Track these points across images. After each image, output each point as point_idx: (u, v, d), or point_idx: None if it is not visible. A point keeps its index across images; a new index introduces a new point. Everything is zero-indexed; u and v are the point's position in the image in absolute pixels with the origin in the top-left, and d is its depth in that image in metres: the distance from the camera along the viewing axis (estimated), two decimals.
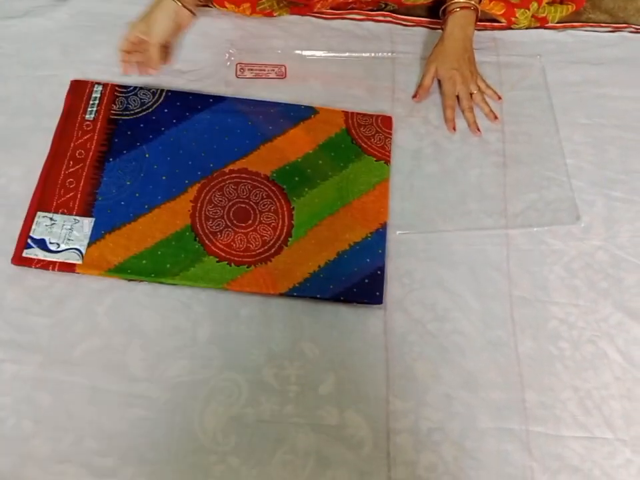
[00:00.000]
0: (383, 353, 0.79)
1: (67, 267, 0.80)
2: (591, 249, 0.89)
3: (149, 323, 0.78)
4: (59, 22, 1.01)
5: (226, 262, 0.82)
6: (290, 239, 0.85)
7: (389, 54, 1.03)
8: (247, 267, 0.82)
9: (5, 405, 0.73)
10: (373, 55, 1.03)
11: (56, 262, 0.80)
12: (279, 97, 0.97)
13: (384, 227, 0.87)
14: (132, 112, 0.93)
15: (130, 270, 0.80)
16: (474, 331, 0.82)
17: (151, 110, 0.93)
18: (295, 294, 0.81)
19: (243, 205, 0.87)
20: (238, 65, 0.99)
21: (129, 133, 0.91)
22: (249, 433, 0.73)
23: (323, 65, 1.02)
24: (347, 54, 1.03)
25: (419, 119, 0.98)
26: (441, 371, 0.79)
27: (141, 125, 0.92)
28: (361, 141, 0.94)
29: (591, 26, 1.11)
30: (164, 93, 0.94)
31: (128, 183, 0.87)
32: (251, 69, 0.99)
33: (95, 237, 0.82)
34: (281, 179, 0.89)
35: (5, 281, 0.80)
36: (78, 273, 0.80)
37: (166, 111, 0.93)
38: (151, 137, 0.91)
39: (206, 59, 1.00)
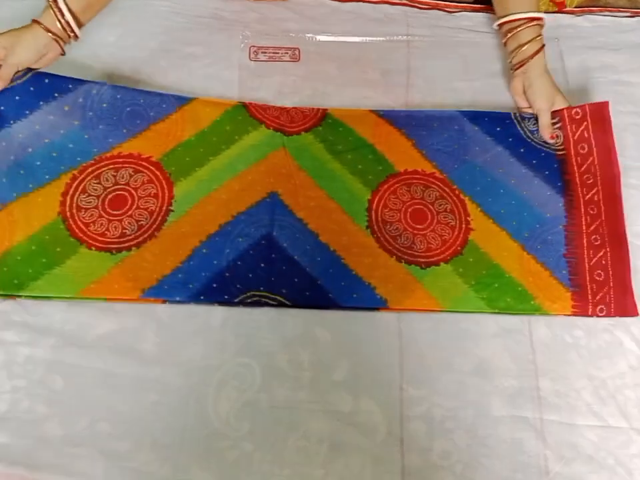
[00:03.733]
0: (397, 340, 0.79)
1: None
2: None
3: (162, 308, 0.78)
4: None
5: (104, 251, 0.79)
6: (165, 222, 0.82)
7: (405, 37, 1.02)
8: (127, 251, 0.79)
9: (19, 388, 0.73)
10: (388, 38, 1.02)
11: None
12: (293, 80, 0.96)
13: (271, 196, 0.85)
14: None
15: None
16: (487, 318, 0.81)
17: (26, 77, 0.84)
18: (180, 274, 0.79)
19: (122, 192, 0.83)
20: (251, 48, 0.98)
21: (1, 107, 0.83)
22: (263, 419, 0.73)
23: (337, 48, 1.01)
24: (361, 37, 1.02)
25: (431, 105, 0.97)
26: (454, 358, 0.78)
27: (16, 98, 0.83)
28: (257, 113, 0.91)
29: (610, 11, 1.10)
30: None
31: None
32: (265, 52, 0.98)
33: None
34: (170, 162, 0.85)
35: None
36: None
37: (46, 80, 0.85)
38: (26, 112, 0.83)
39: (219, 42, 0.99)
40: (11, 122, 0.83)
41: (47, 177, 0.82)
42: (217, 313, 0.79)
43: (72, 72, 0.90)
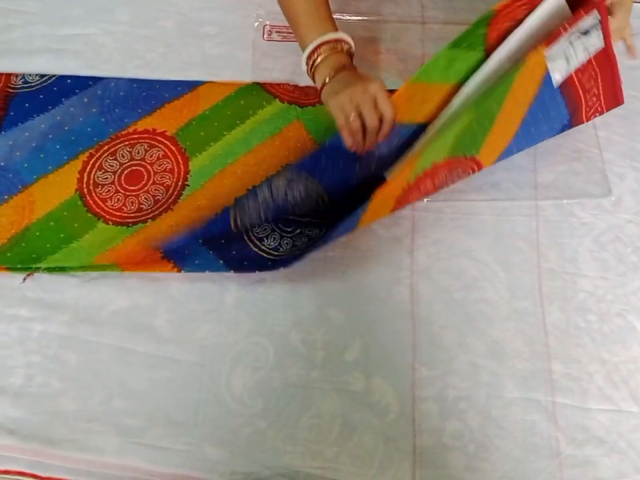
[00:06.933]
0: (409, 320, 0.79)
1: None
2: (621, 222, 0.87)
3: (176, 286, 0.78)
4: None
5: (121, 225, 0.81)
6: (181, 196, 0.83)
7: (419, 19, 1.01)
8: (143, 223, 0.81)
9: (34, 363, 0.73)
10: (402, 19, 1.01)
11: None
12: None
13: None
14: (30, 84, 0.91)
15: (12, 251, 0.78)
16: (500, 300, 0.81)
17: (51, 81, 0.91)
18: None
19: (137, 168, 0.85)
20: (265, 28, 0.98)
21: (26, 105, 0.89)
22: (276, 397, 0.73)
23: (352, 29, 0.99)
24: (376, 18, 1.01)
25: None
26: (467, 339, 0.78)
27: (40, 97, 0.90)
28: (271, 88, 0.92)
29: None
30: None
31: (17, 154, 0.85)
32: (279, 32, 0.98)
33: None
34: (185, 137, 0.87)
35: None
36: None
37: (69, 81, 0.91)
38: (49, 107, 0.89)
39: (234, 22, 0.98)
40: (34, 115, 0.88)
41: (66, 157, 0.85)
42: (231, 292, 0.79)
43: (86, 49, 0.91)
